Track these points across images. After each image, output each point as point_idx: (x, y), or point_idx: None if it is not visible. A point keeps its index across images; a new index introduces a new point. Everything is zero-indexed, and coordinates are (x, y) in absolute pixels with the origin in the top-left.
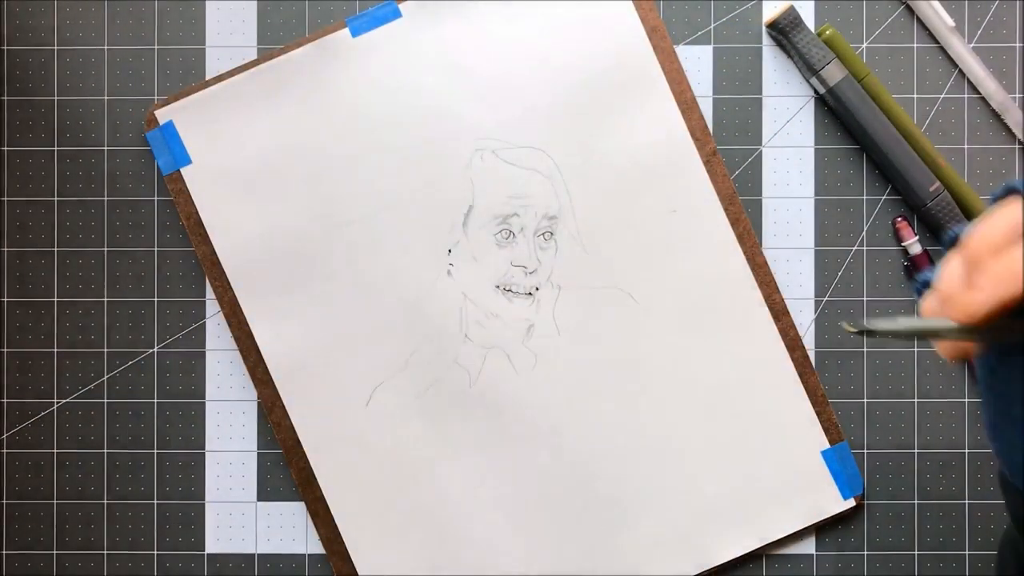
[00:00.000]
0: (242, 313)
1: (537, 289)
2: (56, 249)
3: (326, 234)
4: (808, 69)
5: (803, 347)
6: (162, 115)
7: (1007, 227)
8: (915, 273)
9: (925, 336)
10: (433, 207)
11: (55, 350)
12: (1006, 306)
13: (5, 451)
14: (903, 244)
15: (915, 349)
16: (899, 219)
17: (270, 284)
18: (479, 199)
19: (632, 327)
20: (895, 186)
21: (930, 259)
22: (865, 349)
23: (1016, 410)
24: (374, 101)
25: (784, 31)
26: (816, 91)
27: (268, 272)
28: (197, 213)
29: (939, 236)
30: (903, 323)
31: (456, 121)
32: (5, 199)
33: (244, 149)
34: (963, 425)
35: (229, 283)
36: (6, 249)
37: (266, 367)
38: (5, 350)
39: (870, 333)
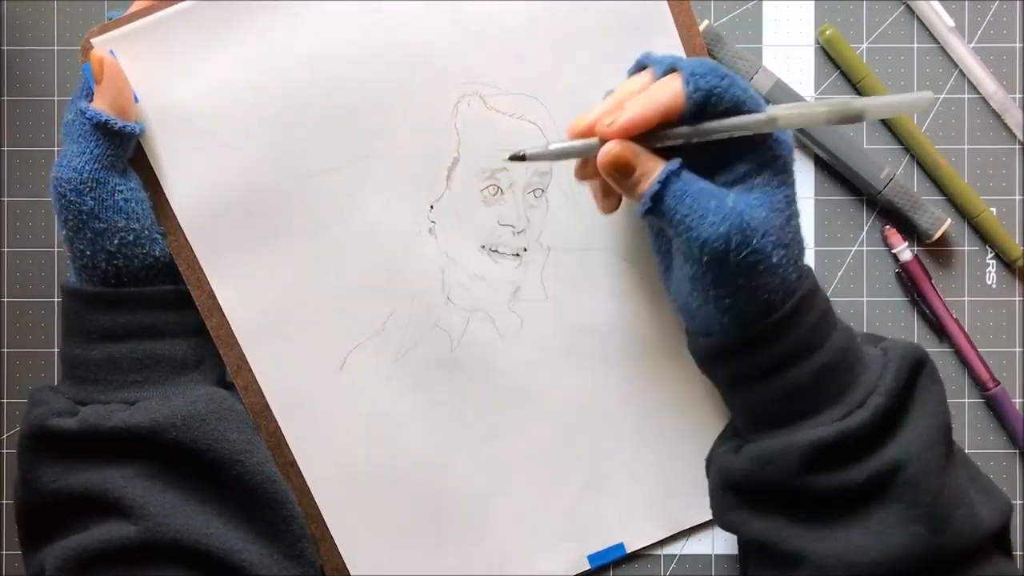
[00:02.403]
0: (201, 270)
1: (525, 250)
2: (56, 249)
3: (295, 185)
4: None
5: None
6: (101, 44)
7: (639, 83)
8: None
9: (575, 155)
10: (414, 158)
11: (55, 350)
12: (640, 125)
13: (5, 451)
14: (893, 251)
15: None
16: (887, 227)
17: (233, 239)
18: (465, 150)
19: (624, 290)
20: (847, 180)
21: (921, 265)
22: None
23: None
24: (348, 35)
25: (707, 50)
26: None
27: (230, 226)
28: (147, 159)
29: (899, 224)
30: (553, 147)
31: (441, 61)
32: (5, 199)
33: (200, 87)
34: (963, 429)
35: (186, 237)
36: (6, 249)
37: (230, 327)
38: (5, 350)
39: (523, 158)
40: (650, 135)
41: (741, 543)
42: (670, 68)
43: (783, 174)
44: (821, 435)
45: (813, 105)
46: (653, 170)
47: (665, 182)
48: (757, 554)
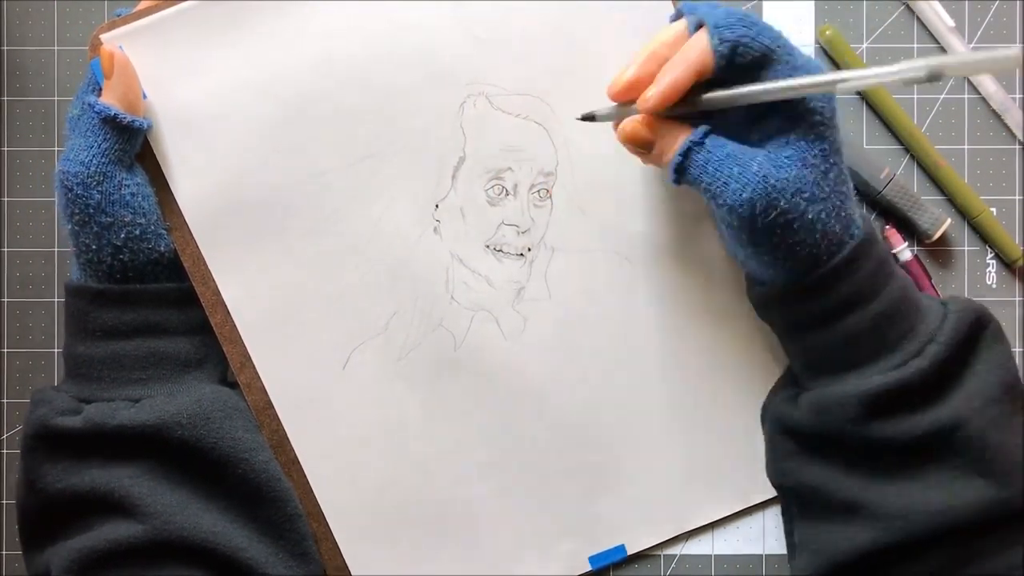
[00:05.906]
0: (206, 266)
1: (529, 250)
2: (56, 249)
3: (300, 183)
4: None
5: None
6: (110, 41)
7: (671, 33)
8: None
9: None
10: (420, 157)
11: (55, 350)
12: (675, 94)
13: (5, 451)
14: (893, 251)
15: None
16: (887, 227)
17: (238, 237)
18: (470, 150)
19: (627, 292)
20: None
21: (921, 265)
22: None
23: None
24: (355, 35)
25: None
26: None
27: (235, 223)
28: (154, 155)
29: (899, 224)
30: (609, 109)
31: (447, 61)
32: (5, 199)
33: (208, 85)
34: None
35: (192, 234)
36: (6, 249)
37: (234, 324)
38: (5, 350)
39: (592, 118)
40: (688, 100)
41: (789, 495)
42: (699, 22)
43: (821, 127)
44: (879, 383)
45: (883, 67)
46: (674, 142)
47: (686, 154)
48: (807, 504)
